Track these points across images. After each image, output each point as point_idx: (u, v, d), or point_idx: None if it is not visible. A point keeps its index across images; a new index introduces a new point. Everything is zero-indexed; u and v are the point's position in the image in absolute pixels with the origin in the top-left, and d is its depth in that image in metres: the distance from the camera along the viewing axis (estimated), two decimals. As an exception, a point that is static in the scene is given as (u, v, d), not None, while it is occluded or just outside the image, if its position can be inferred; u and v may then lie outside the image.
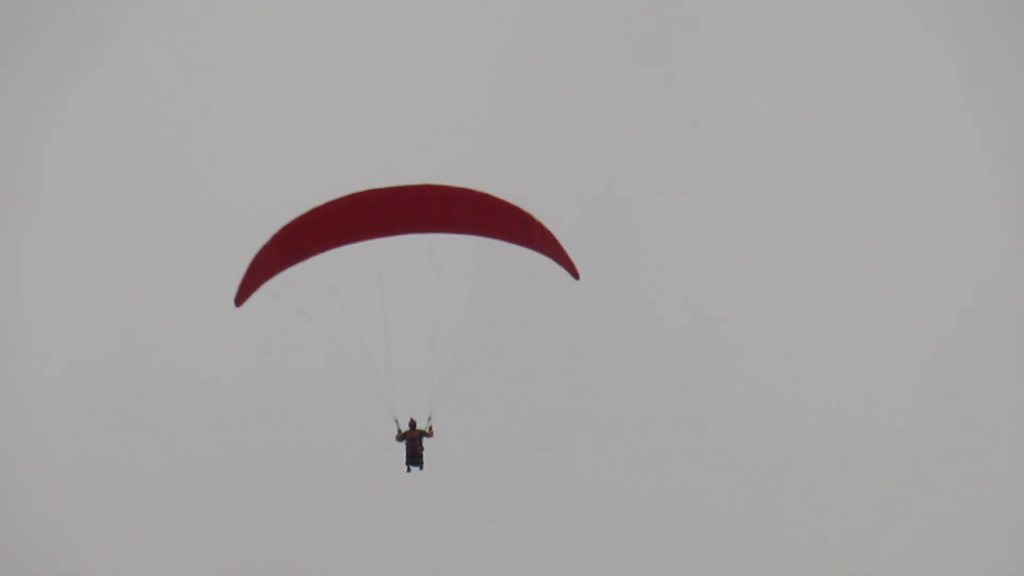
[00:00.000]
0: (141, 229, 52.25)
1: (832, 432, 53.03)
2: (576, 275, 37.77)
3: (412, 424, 39.95)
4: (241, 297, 37.81)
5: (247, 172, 52.68)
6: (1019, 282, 54.98)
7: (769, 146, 56.73)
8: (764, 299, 54.63)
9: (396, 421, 39.84)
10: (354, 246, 37.39)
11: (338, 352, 38.52)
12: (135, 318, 50.93)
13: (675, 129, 56.50)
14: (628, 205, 55.24)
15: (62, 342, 51.12)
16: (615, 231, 54.76)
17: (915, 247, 55.61)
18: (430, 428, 39.91)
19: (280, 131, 53.88)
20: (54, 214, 52.83)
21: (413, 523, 48.75)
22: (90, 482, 49.99)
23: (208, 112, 53.81)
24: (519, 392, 49.44)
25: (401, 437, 39.99)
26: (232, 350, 48.89)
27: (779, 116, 57.02)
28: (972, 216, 55.87)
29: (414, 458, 39.95)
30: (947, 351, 54.34)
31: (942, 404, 53.55)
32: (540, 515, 50.28)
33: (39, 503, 49.80)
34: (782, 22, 57.80)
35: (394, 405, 39.59)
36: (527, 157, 55.06)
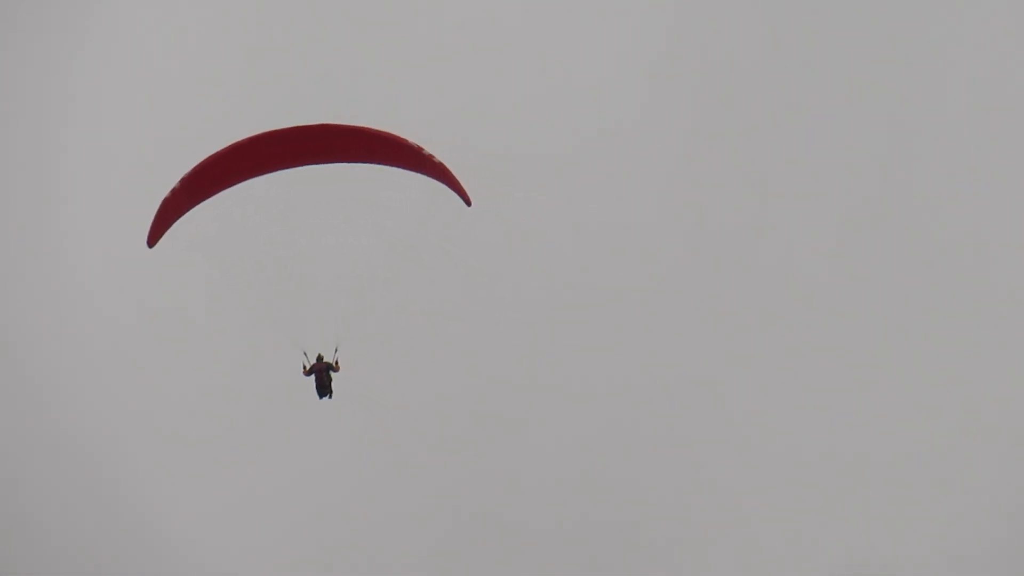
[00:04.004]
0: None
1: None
2: (468, 201, 40.23)
3: (319, 358, 41.95)
4: (153, 237, 39.92)
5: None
6: None
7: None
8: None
9: (305, 354, 41.81)
10: (257, 182, 39.69)
11: (246, 287, 40.44)
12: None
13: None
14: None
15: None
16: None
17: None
18: (336, 362, 41.93)
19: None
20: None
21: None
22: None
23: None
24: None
25: (308, 372, 41.98)
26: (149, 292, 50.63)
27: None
28: None
29: (322, 389, 41.95)
30: None
31: None
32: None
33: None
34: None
35: (302, 340, 41.56)
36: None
